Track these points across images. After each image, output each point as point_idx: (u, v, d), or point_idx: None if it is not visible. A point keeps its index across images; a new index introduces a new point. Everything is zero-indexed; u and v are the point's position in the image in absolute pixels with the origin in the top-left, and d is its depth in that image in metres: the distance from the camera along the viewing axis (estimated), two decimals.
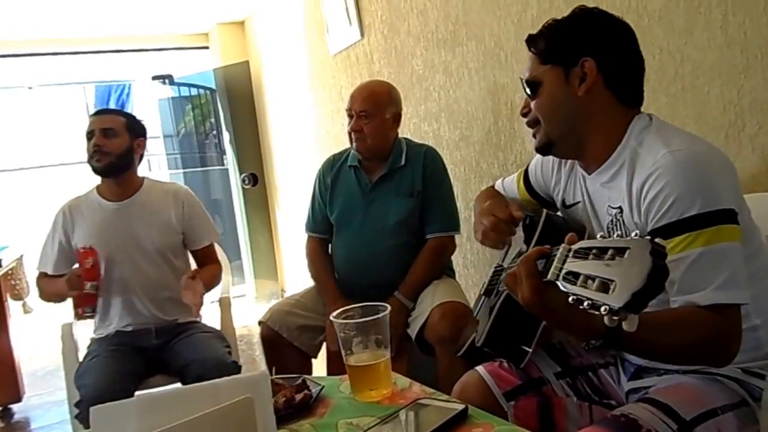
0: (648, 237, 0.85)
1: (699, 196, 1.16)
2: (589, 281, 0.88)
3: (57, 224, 2.52)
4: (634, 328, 0.88)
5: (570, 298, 0.91)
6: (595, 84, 1.32)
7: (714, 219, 1.15)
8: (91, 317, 2.41)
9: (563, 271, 0.95)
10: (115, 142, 2.43)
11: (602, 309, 0.85)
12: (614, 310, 0.84)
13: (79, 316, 2.35)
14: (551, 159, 1.59)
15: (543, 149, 1.44)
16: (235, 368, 2.29)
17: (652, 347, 1.15)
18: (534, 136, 1.45)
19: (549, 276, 1.01)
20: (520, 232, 1.60)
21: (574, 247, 0.96)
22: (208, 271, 2.59)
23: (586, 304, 0.88)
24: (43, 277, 2.54)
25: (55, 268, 2.50)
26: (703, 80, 1.75)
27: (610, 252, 0.88)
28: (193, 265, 2.66)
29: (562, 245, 1.00)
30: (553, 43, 1.37)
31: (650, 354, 1.20)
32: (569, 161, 1.53)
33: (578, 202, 1.49)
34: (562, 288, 0.94)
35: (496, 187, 1.85)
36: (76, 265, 2.32)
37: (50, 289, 2.46)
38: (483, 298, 1.65)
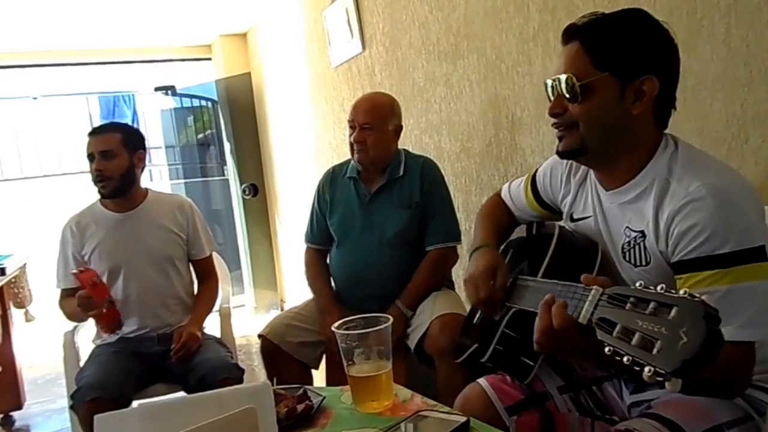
0: (699, 299, 0.80)
1: (731, 235, 1.13)
2: (629, 334, 0.84)
3: (66, 240, 2.55)
4: (677, 390, 0.81)
5: (607, 349, 0.87)
6: (647, 104, 1.25)
7: (745, 257, 1.13)
8: (119, 330, 2.44)
9: (595, 316, 0.92)
10: (115, 163, 2.46)
11: (647, 369, 0.80)
12: (660, 374, 0.80)
13: (108, 334, 2.38)
14: (561, 169, 1.55)
15: (570, 154, 1.34)
16: (238, 370, 2.31)
17: None
18: (560, 138, 1.34)
19: (580, 319, 0.98)
20: (521, 232, 1.59)
21: (608, 291, 0.93)
22: (204, 299, 2.67)
23: (626, 359, 0.83)
24: (65, 296, 2.55)
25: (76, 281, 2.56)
26: (705, 93, 1.75)
27: (651, 305, 0.83)
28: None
29: (594, 288, 0.97)
30: (614, 50, 1.24)
31: None
32: (580, 172, 1.48)
33: (588, 217, 1.44)
34: (598, 336, 0.91)
35: (502, 195, 1.78)
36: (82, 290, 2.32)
37: (70, 309, 2.49)
38: None
